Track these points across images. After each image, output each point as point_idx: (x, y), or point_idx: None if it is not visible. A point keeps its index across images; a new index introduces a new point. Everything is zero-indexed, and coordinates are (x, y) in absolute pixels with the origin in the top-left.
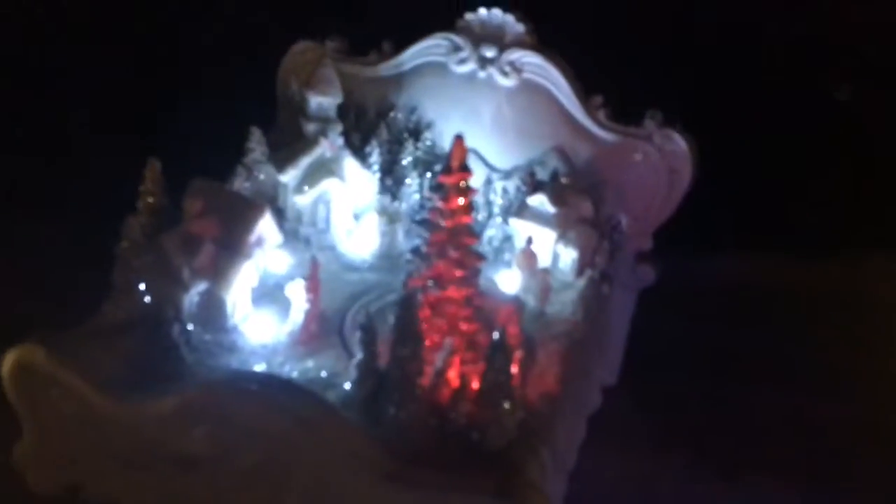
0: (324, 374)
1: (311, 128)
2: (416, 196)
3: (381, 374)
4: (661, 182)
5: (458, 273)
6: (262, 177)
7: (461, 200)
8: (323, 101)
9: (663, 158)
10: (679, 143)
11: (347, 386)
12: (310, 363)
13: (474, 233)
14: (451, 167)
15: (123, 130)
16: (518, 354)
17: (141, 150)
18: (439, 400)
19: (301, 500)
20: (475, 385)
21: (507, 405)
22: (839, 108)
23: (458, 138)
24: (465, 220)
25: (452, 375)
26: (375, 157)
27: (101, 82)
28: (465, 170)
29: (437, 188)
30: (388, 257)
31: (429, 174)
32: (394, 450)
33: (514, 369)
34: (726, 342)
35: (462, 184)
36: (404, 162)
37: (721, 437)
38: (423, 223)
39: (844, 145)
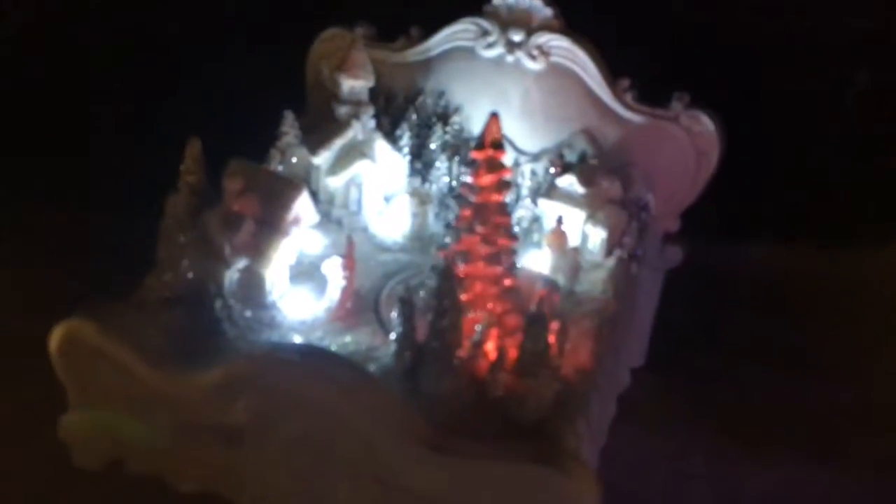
0: (363, 347)
1: (343, 111)
2: (446, 179)
3: (420, 346)
4: (688, 164)
5: (485, 250)
6: (294, 159)
7: (491, 177)
8: (355, 85)
9: (691, 140)
10: (707, 124)
11: (387, 359)
12: (347, 338)
13: (506, 211)
14: (483, 143)
15: (151, 118)
16: (555, 325)
17: (172, 137)
18: (477, 371)
19: (344, 470)
20: (513, 356)
21: (544, 375)
22: (869, 96)
23: (494, 115)
24: (497, 197)
25: (490, 348)
26: (405, 141)
27: (131, 69)
28: (497, 147)
29: (469, 164)
30: (418, 238)
31: (457, 157)
32: (434, 420)
33: (552, 339)
34: (752, 324)
35: (493, 160)
36: (433, 145)
37: (748, 418)
38: (457, 198)
39: (876, 134)
